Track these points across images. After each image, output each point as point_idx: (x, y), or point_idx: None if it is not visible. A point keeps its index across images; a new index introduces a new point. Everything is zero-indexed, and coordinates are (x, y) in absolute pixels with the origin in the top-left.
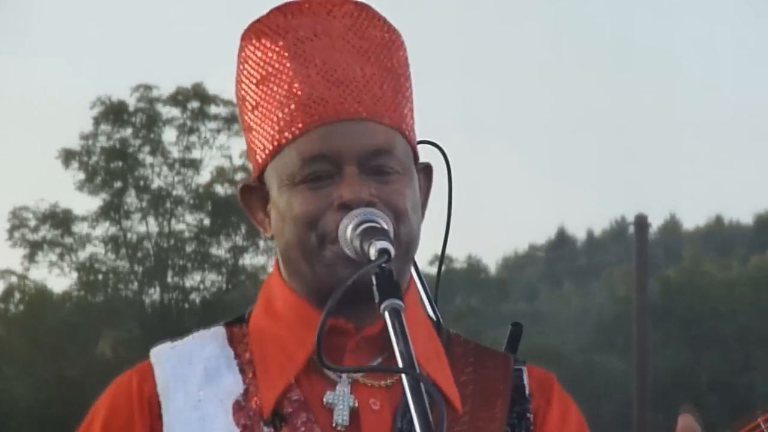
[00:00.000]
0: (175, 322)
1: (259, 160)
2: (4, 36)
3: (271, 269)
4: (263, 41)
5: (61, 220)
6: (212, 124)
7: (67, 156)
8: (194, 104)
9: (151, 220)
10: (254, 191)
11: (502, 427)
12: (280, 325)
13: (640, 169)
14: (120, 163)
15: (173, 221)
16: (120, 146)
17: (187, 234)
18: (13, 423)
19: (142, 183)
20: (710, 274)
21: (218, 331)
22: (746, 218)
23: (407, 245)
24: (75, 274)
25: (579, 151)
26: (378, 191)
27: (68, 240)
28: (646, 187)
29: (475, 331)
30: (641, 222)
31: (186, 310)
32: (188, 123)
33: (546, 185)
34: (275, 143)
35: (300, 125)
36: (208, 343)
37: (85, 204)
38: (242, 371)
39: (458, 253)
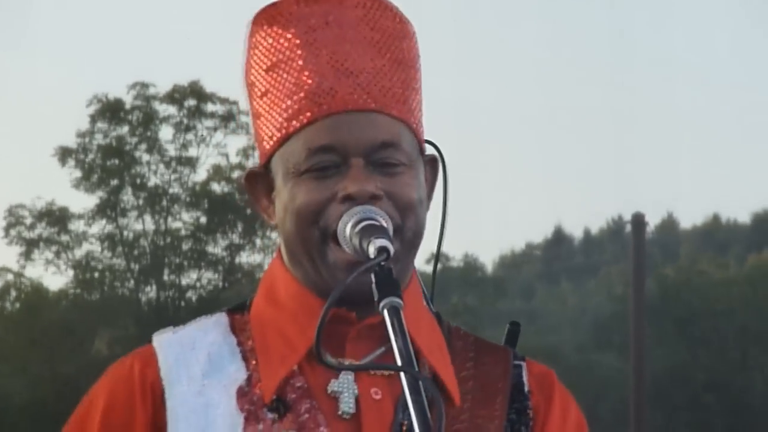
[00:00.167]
0: (172, 320)
1: (266, 147)
2: (2, 34)
3: (268, 266)
4: (275, 28)
5: (57, 217)
6: (209, 122)
7: (64, 154)
8: (191, 102)
9: (148, 217)
10: (260, 178)
11: (502, 425)
12: (282, 314)
13: (638, 168)
14: (116, 161)
15: (170, 219)
16: (116, 144)
17: (183, 232)
18: (8, 420)
19: (138, 181)
20: (707, 273)
21: (220, 319)
22: (743, 217)
23: (412, 239)
24: (71, 272)
25: (576, 150)
26: (384, 184)
27: (64, 238)
28: (643, 185)
29: (472, 330)
30: (638, 221)
31: (182, 308)
32: (185, 121)
33: (543, 184)
34: (282, 131)
35: (308, 114)
36: (211, 330)
37: (82, 202)
38: (245, 359)
39: (455, 252)
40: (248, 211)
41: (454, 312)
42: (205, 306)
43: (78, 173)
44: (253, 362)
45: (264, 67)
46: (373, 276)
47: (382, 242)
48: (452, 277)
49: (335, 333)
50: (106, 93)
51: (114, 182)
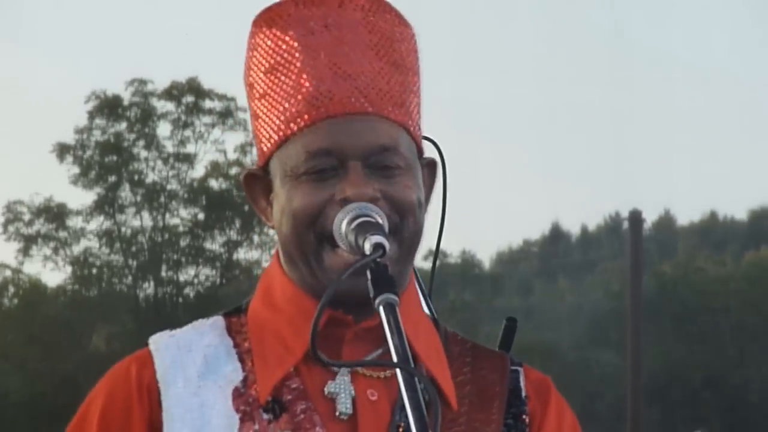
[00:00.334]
0: (169, 316)
1: (265, 150)
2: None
3: (265, 264)
4: (274, 30)
5: (55, 214)
6: (207, 119)
7: (62, 150)
8: (189, 99)
9: (146, 214)
10: (258, 179)
11: (499, 429)
12: (278, 316)
13: (635, 164)
14: (114, 158)
15: (167, 215)
16: (114, 140)
17: (181, 228)
18: (6, 416)
19: (136, 177)
20: (704, 269)
21: (217, 321)
22: (740, 214)
23: (410, 241)
24: (69, 268)
25: (573, 147)
26: (382, 187)
27: (62, 234)
28: (640, 182)
29: (469, 326)
30: (635, 217)
31: (180, 304)
32: (183, 117)
33: (540, 181)
34: (281, 134)
35: (306, 117)
36: (207, 333)
37: (80, 198)
38: (241, 360)
39: (452, 248)
40: (246, 207)
41: (452, 309)
42: (203, 302)
43: (76, 169)
44: (249, 364)
45: (263, 69)
46: (368, 272)
47: (378, 239)
48: (450, 274)
49: (332, 336)
50: (104, 89)
51: (112, 178)
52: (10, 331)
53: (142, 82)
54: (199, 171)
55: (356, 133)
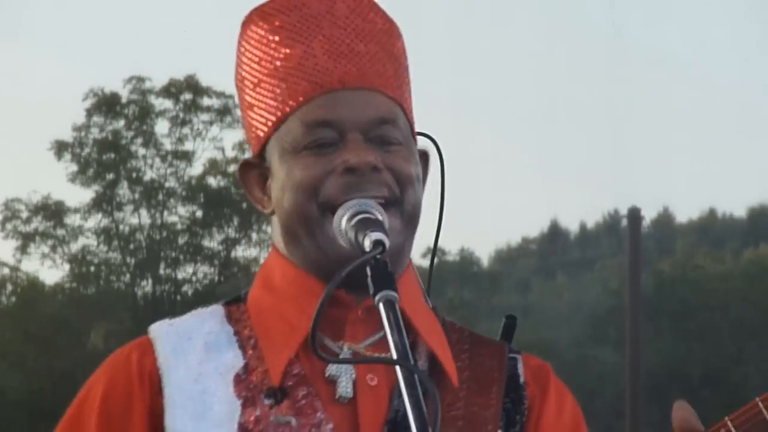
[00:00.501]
0: (167, 313)
1: (260, 135)
2: None
3: (263, 261)
4: (267, 21)
5: (53, 211)
6: (205, 116)
7: (60, 148)
8: (187, 96)
9: (144, 212)
10: (253, 168)
11: (498, 413)
12: (280, 298)
13: (634, 162)
14: (112, 155)
15: (165, 213)
16: (112, 138)
17: (179, 226)
18: (4, 415)
19: (134, 175)
20: (703, 267)
21: (216, 310)
22: (739, 211)
23: (411, 214)
24: (67, 266)
25: (572, 144)
26: (382, 158)
27: (60, 232)
28: (639, 180)
29: (468, 324)
30: (634, 215)
31: (178, 302)
32: (181, 115)
33: (539, 178)
34: (278, 114)
35: (304, 94)
36: (207, 320)
37: (78, 196)
38: (242, 347)
39: (451, 246)
40: (244, 205)
41: (451, 306)
42: (201, 300)
43: (74, 167)
44: (250, 351)
45: (256, 59)
46: (368, 269)
47: (378, 235)
48: (448, 272)
49: (334, 316)
50: (102, 87)
51: (110, 176)
52: (8, 329)
53: (140, 79)
54: (197, 168)
55: (355, 106)
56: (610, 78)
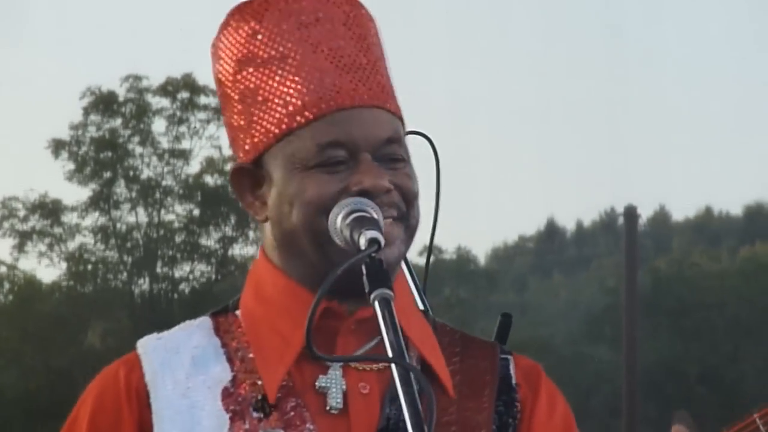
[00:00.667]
0: (164, 312)
1: (258, 143)
2: None
3: (252, 266)
4: (264, 23)
5: (50, 210)
6: (202, 115)
7: (57, 146)
8: (184, 95)
9: (141, 210)
10: (246, 173)
11: (490, 416)
12: (272, 308)
13: (630, 160)
14: (109, 154)
15: (163, 211)
16: (109, 136)
17: (176, 224)
18: (1, 413)
19: (131, 173)
20: (699, 265)
21: (204, 322)
22: (735, 210)
23: (414, 228)
24: (64, 265)
25: (568, 142)
26: (390, 178)
27: (57, 230)
28: (635, 178)
29: (464, 322)
30: (630, 213)
31: (175, 300)
32: (178, 113)
33: (535, 176)
34: (282, 127)
35: (314, 110)
36: (195, 333)
37: (75, 194)
38: (230, 360)
39: (447, 244)
40: (241, 203)
41: (447, 305)
42: (198, 298)
43: (71, 165)
44: (238, 363)
45: (256, 62)
46: (363, 267)
47: (373, 234)
48: (445, 270)
49: (326, 328)
50: (99, 85)
51: (107, 175)
52: (5, 327)
53: (137, 78)
54: (194, 167)
55: (365, 126)
56: (607, 77)
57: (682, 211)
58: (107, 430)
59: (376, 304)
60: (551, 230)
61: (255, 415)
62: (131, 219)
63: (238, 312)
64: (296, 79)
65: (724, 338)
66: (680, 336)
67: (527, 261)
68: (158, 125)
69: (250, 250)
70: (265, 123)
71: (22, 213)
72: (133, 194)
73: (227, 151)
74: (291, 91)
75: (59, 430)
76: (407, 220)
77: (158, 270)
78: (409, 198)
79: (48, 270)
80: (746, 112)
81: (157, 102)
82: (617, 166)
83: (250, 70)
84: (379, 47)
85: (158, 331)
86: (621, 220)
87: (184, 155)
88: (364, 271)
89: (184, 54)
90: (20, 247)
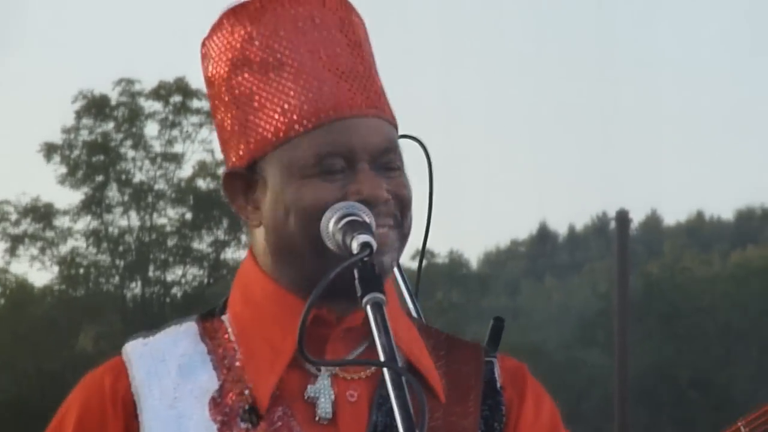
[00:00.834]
0: (157, 316)
1: (254, 149)
2: None
3: (240, 269)
4: (261, 27)
5: (42, 213)
6: (194, 119)
7: (49, 150)
8: (176, 98)
9: (133, 214)
10: (238, 178)
11: (476, 421)
12: (261, 316)
13: (622, 164)
14: (102, 157)
15: (155, 215)
16: (102, 140)
17: (168, 228)
18: None
19: (123, 177)
20: (691, 269)
21: (190, 327)
22: (727, 214)
23: (406, 236)
24: (56, 268)
25: (561, 147)
26: (387, 185)
27: (49, 234)
28: (627, 182)
29: (456, 327)
30: (622, 217)
31: (167, 304)
32: (170, 117)
33: (528, 180)
34: (280, 135)
35: (313, 119)
36: (181, 340)
37: (67, 198)
38: (216, 367)
39: (440, 248)
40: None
41: (439, 309)
42: (191, 302)
43: (63, 169)
44: (225, 371)
45: (253, 66)
46: (356, 271)
47: (365, 238)
48: (437, 274)
49: (315, 335)
50: (92, 89)
51: (99, 178)
52: None
53: (130, 81)
54: (186, 171)
55: (364, 135)
56: (599, 80)
57: (673, 215)
58: None
59: (369, 308)
60: (543, 234)
61: (243, 425)
62: (123, 223)
63: (224, 316)
64: (294, 86)
65: (715, 342)
66: (672, 340)
67: (519, 265)
68: (151, 129)
69: (242, 254)
70: (261, 130)
71: (14, 217)
72: (126, 198)
73: (220, 155)
74: (289, 98)
75: None
76: (401, 228)
77: (150, 274)
78: (404, 206)
79: (40, 274)
80: (738, 116)
81: (150, 106)
82: (609, 171)
83: (246, 74)
84: (371, 53)
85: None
86: (613, 224)
87: (177, 159)
88: (357, 275)
89: (177, 58)
90: (12, 251)
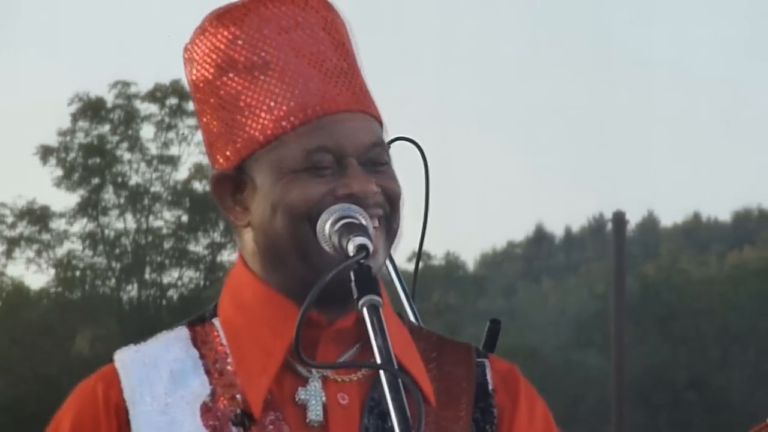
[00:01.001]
0: (153, 318)
1: (242, 149)
2: None
3: (230, 272)
4: (245, 28)
5: (38, 216)
6: (190, 121)
7: (45, 152)
8: (172, 101)
9: (129, 216)
10: (227, 180)
11: (468, 425)
12: (253, 319)
13: (618, 166)
14: (98, 160)
15: (151, 218)
16: (98, 143)
17: (164, 230)
18: None
19: (119, 179)
20: (688, 271)
21: (181, 333)
22: (724, 215)
23: (395, 232)
24: (52, 271)
25: (557, 148)
26: (377, 181)
27: (46, 236)
28: (623, 184)
29: (453, 328)
30: (619, 219)
31: (163, 306)
32: (166, 119)
33: (524, 182)
34: (268, 133)
35: (300, 116)
36: (172, 346)
37: (63, 200)
38: (208, 372)
39: (436, 250)
40: None
41: (436, 311)
42: (187, 304)
43: (59, 172)
44: (216, 376)
45: (238, 67)
46: (352, 274)
47: (362, 240)
48: (433, 276)
49: (306, 337)
50: (88, 92)
51: (95, 181)
52: None
53: (126, 84)
54: (182, 173)
55: (351, 131)
56: (595, 82)
57: (670, 216)
58: None
59: (365, 310)
60: (540, 236)
61: (234, 430)
62: (119, 225)
63: (214, 320)
64: (280, 85)
65: (712, 344)
66: (669, 342)
67: (516, 267)
68: (146, 131)
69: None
70: (248, 129)
71: (10, 219)
72: (122, 200)
73: None
74: (275, 97)
75: None
76: (389, 224)
77: (147, 276)
78: (393, 200)
79: (36, 276)
80: (734, 118)
81: (146, 108)
82: (606, 172)
83: (231, 75)
84: (354, 52)
85: (148, 337)
86: (609, 225)
87: (173, 161)
88: (353, 278)
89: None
90: (8, 254)
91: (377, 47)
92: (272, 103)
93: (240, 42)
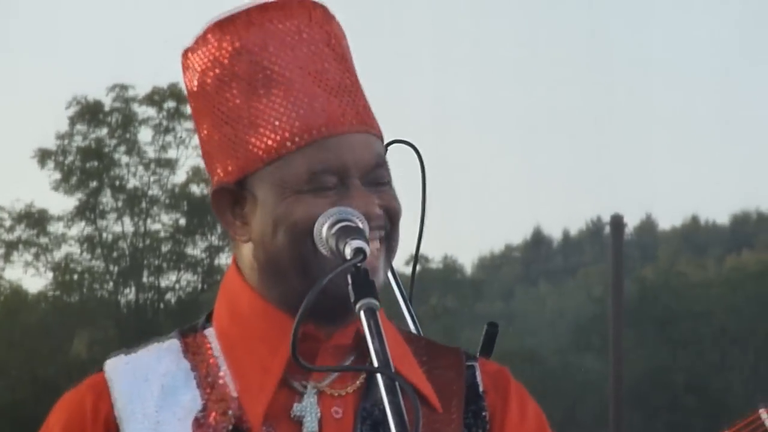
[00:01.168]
0: (151, 321)
1: (245, 166)
2: None
3: (224, 281)
4: (248, 42)
5: (36, 219)
6: (188, 124)
7: (43, 156)
8: (170, 104)
9: (127, 219)
10: (227, 194)
11: (459, 428)
12: (249, 332)
13: (616, 169)
14: (96, 163)
15: (149, 221)
16: (96, 146)
17: (162, 234)
18: None
19: (117, 183)
20: (686, 274)
21: (172, 344)
22: (722, 218)
23: (394, 250)
24: (50, 274)
25: (555, 151)
26: (378, 200)
27: (44, 240)
28: (621, 187)
29: (451, 332)
30: (617, 222)
31: (161, 310)
32: (164, 123)
33: (522, 185)
34: (272, 153)
35: (306, 137)
36: (164, 358)
37: (61, 204)
38: (200, 385)
39: (434, 253)
40: None
41: (433, 314)
42: (185, 308)
43: (57, 175)
44: (208, 390)
45: (242, 82)
46: (349, 277)
47: (359, 243)
48: (431, 279)
49: (304, 350)
50: (86, 95)
51: (93, 184)
52: None
53: (124, 87)
54: (180, 176)
55: (355, 152)
56: (593, 84)
57: (668, 220)
58: None
59: (362, 313)
60: (538, 239)
61: None
62: (117, 228)
63: (207, 331)
64: (285, 102)
65: (710, 347)
66: (667, 345)
67: (514, 270)
68: (144, 134)
69: None
70: (251, 147)
71: (8, 223)
72: (120, 204)
73: None
74: (280, 116)
75: None
76: (389, 241)
77: (144, 279)
78: (394, 219)
79: (34, 280)
80: (733, 120)
81: (144, 111)
82: (603, 175)
83: (234, 90)
84: (354, 64)
85: (145, 340)
86: (607, 229)
87: (171, 164)
88: (350, 281)
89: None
90: (6, 257)
91: (375, 49)
92: (277, 122)
93: (244, 56)
